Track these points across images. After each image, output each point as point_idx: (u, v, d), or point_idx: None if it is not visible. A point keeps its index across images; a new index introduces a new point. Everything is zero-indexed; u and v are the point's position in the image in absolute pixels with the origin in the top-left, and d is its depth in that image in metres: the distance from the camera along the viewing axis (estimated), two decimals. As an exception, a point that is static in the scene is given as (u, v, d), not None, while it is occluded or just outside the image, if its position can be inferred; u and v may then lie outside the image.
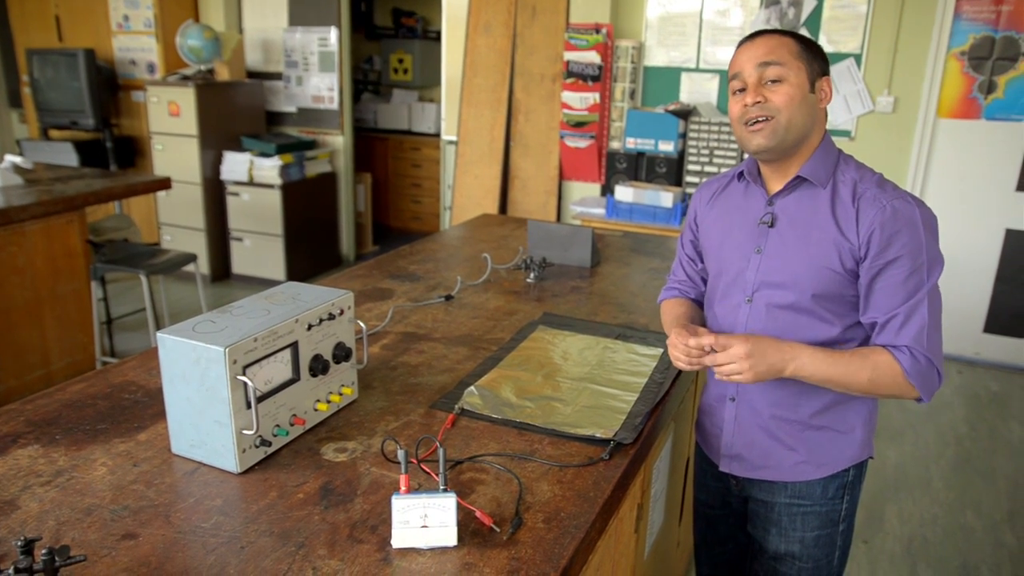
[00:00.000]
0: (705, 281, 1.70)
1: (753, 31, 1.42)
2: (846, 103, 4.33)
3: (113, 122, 5.83)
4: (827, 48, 4.31)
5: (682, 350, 1.41)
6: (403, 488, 1.09)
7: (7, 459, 1.29)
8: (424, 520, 1.06)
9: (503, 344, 1.86)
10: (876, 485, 3.14)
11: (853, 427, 1.50)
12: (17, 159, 3.74)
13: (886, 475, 3.23)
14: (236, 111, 5.57)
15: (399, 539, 1.06)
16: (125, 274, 3.59)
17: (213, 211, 5.51)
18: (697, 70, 4.64)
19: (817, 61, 1.39)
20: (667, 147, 4.50)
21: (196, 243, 5.50)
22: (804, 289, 1.40)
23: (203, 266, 5.53)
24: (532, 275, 2.40)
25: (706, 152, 4.44)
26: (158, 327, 4.15)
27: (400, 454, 1.11)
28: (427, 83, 7.27)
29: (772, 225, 1.45)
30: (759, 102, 1.36)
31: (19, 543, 0.96)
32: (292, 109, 5.87)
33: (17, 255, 3.29)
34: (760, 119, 1.37)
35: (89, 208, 3.68)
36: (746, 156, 1.52)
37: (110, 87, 5.80)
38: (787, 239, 1.43)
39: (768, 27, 1.41)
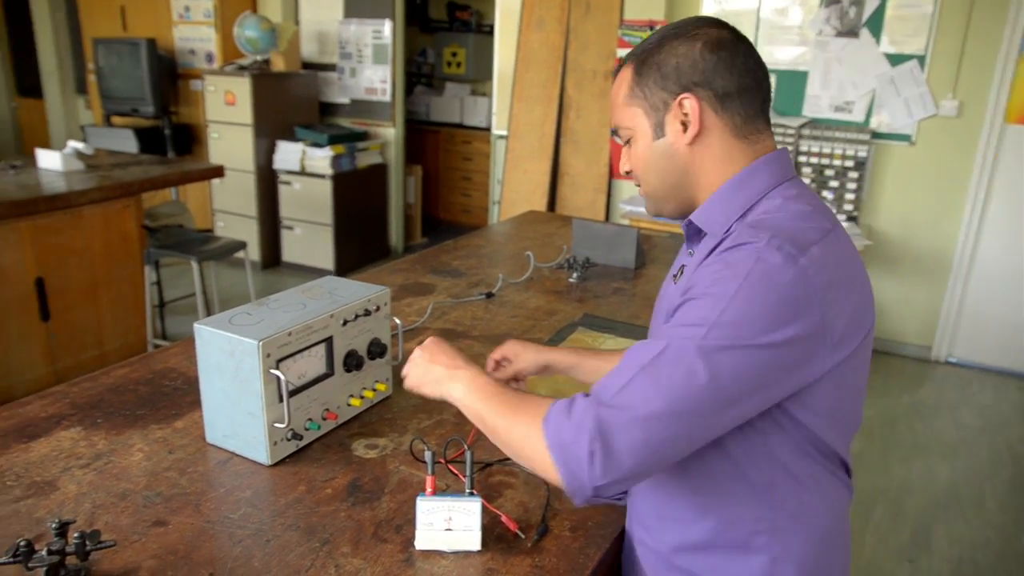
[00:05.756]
0: None
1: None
2: (907, 106, 4.19)
3: (172, 110, 5.97)
4: (889, 49, 4.17)
5: None
6: (429, 490, 1.09)
7: (51, 440, 1.32)
8: (448, 523, 1.05)
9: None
10: (924, 503, 3.05)
11: None
12: (79, 145, 3.85)
13: (936, 493, 3.13)
14: (290, 101, 5.65)
15: (422, 541, 1.06)
16: (178, 259, 3.67)
17: (265, 199, 5.60)
18: (753, 69, 4.55)
19: (658, 82, 1.01)
20: (719, 147, 4.42)
21: (248, 230, 5.60)
22: None
23: (254, 253, 5.63)
24: (575, 275, 2.38)
25: (759, 153, 4.35)
26: (208, 312, 4.24)
27: (427, 455, 1.10)
28: (480, 77, 7.27)
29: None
30: (629, 172, 1.10)
31: (54, 525, 0.99)
32: (345, 100, 5.93)
33: (76, 238, 3.39)
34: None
35: (146, 194, 3.77)
36: None
37: (170, 76, 5.94)
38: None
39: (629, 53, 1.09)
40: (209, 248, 3.68)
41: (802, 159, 4.32)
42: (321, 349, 1.33)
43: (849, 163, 4.24)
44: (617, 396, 0.87)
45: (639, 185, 1.10)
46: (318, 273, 5.52)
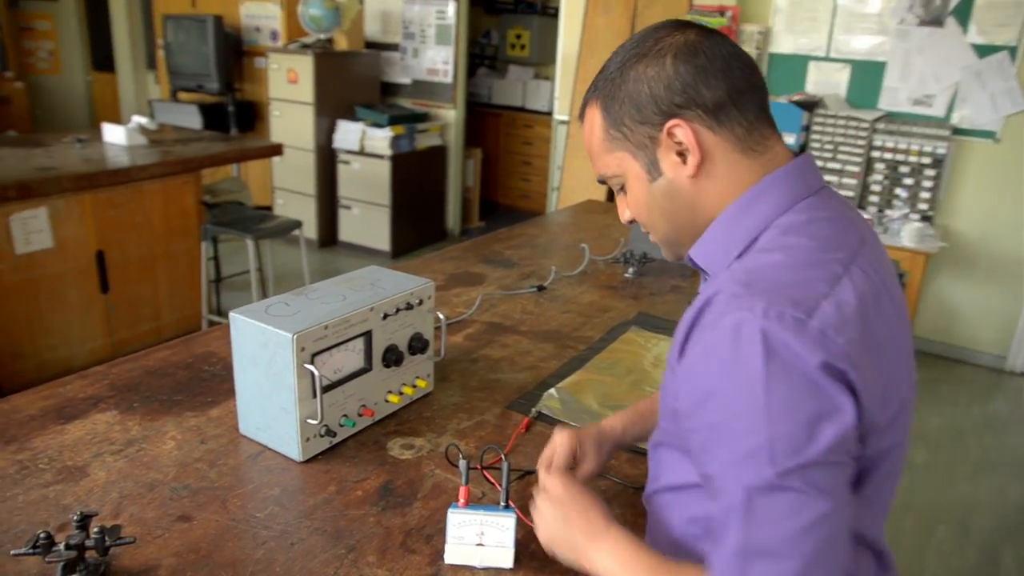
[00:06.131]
0: None
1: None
2: (993, 101, 3.95)
3: (236, 87, 6.03)
4: (976, 39, 3.93)
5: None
6: (462, 500, 1.03)
7: (86, 423, 1.30)
8: (480, 538, 0.99)
9: (592, 343, 1.76)
10: (993, 523, 2.88)
11: None
12: (143, 120, 3.90)
13: (1006, 513, 2.96)
14: (352, 80, 5.64)
15: (452, 555, 1.00)
16: (235, 236, 3.69)
17: (324, 178, 5.62)
18: (826, 59, 4.35)
19: (636, 117, 0.88)
20: (789, 139, 4.25)
21: (306, 208, 5.63)
22: (664, 415, 0.95)
23: (311, 232, 5.66)
24: (631, 270, 2.29)
25: (830, 147, 4.17)
26: (263, 290, 4.27)
27: (461, 464, 1.04)
28: (544, 60, 7.15)
29: None
30: (632, 221, 0.97)
31: (76, 517, 0.96)
32: (407, 81, 5.91)
33: (136, 212, 3.43)
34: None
35: (207, 170, 3.80)
36: None
37: (235, 53, 6.00)
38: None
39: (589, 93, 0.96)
40: (265, 226, 3.68)
41: (875, 154, 4.12)
42: (359, 343, 1.28)
43: (926, 160, 4.02)
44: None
45: (647, 232, 0.96)
46: (374, 254, 5.53)
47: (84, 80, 8.11)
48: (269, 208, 5.76)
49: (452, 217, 6.18)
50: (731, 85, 0.85)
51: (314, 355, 1.18)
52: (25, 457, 1.19)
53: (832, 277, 0.78)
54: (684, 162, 0.86)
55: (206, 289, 3.79)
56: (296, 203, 5.70)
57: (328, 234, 5.79)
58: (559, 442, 1.07)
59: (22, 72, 7.40)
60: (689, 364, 0.79)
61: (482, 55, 7.64)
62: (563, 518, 0.93)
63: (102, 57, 7.77)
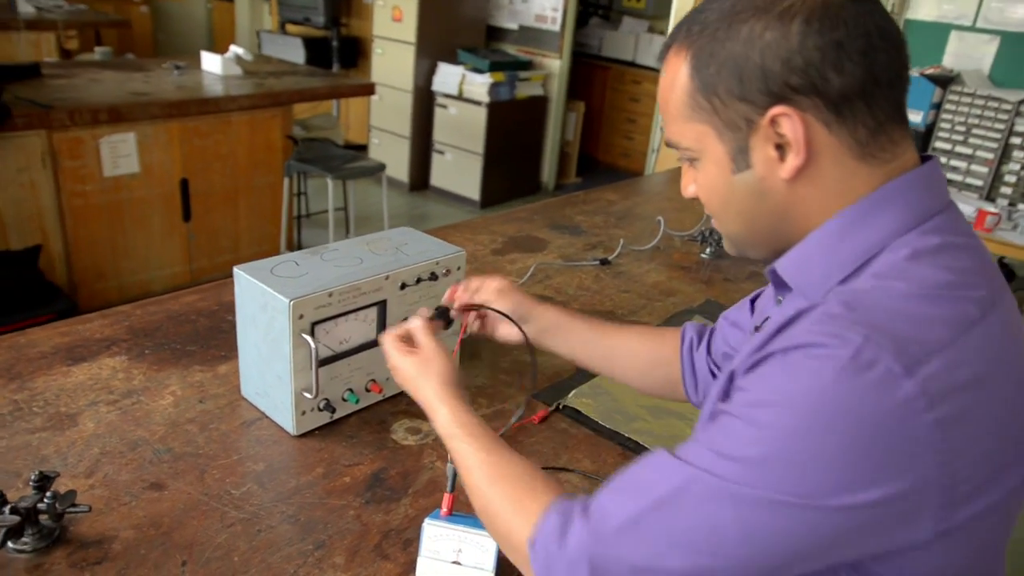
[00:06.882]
0: None
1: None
2: None
3: (342, 22, 5.98)
4: None
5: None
6: (444, 509, 0.91)
7: (92, 367, 1.26)
8: (457, 555, 0.88)
9: (645, 330, 1.60)
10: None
11: None
12: (240, 51, 3.89)
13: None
14: (457, 22, 5.49)
15: (424, 570, 0.89)
16: (316, 174, 3.66)
17: (420, 121, 5.53)
18: (972, 29, 3.89)
19: (734, 90, 0.67)
20: (915, 117, 3.85)
21: (400, 150, 5.57)
22: None
23: (403, 174, 5.61)
24: (708, 250, 2.10)
25: (962, 129, 3.75)
26: (345, 229, 4.25)
27: (448, 469, 0.92)
28: (660, 13, 6.80)
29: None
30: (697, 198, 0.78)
31: (34, 477, 0.90)
32: (513, 26, 5.71)
33: (222, 143, 3.44)
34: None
35: (308, 104, 3.75)
36: None
37: (344, -14, 5.94)
38: None
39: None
40: (349, 167, 3.63)
41: (1015, 140, 3.68)
42: (372, 313, 1.17)
43: (1075, 151, 3.57)
44: (621, 536, 0.62)
45: (709, 216, 0.78)
46: (463, 201, 5.44)
47: (205, 7, 8.27)
48: (364, 147, 5.74)
49: (547, 171, 6.01)
50: (868, 73, 0.64)
51: (314, 324, 1.08)
52: (22, 398, 1.16)
53: (961, 322, 0.60)
54: (782, 159, 0.67)
55: (286, 225, 3.79)
56: (390, 144, 5.65)
57: (419, 178, 5.73)
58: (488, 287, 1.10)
59: (148, -4, 7.58)
60: (747, 359, 0.65)
61: (596, 4, 7.33)
62: (419, 372, 0.92)
63: (223, -16, 7.90)
